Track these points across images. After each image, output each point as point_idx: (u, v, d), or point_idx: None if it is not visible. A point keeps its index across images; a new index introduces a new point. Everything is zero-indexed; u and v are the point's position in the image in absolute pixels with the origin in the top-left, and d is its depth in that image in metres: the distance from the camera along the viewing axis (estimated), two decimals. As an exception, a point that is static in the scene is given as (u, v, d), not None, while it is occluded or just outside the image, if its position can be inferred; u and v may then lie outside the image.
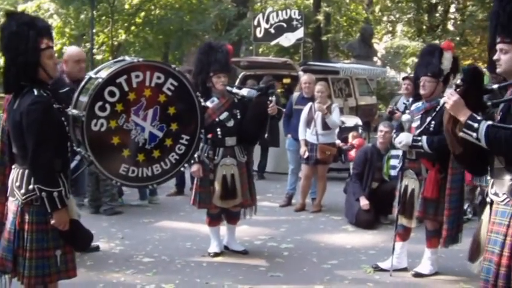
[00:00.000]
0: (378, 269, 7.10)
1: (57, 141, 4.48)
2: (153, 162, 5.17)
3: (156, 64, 5.35)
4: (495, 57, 3.96)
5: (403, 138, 6.63)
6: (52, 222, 4.44)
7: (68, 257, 4.65)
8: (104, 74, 4.93)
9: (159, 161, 5.19)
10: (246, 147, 7.64)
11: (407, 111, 7.01)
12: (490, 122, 3.81)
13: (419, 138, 6.50)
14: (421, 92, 6.61)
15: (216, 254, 7.67)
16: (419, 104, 6.76)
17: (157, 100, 5.10)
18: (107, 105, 4.86)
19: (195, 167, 7.30)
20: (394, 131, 7.19)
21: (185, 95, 5.30)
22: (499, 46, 3.94)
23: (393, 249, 6.94)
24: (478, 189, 9.01)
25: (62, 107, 4.73)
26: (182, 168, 5.43)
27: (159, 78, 5.09)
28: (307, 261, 7.55)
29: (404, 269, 7.06)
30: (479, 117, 3.83)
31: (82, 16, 28.40)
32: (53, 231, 4.52)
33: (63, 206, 4.44)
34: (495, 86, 4.07)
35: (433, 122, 6.45)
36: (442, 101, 6.12)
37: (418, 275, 6.85)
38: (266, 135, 7.81)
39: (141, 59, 5.19)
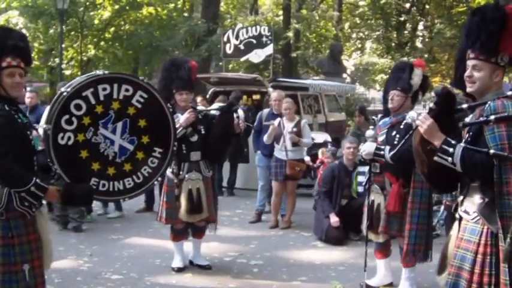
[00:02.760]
0: (367, 287, 7.03)
1: (20, 155, 4.44)
2: (125, 176, 5.11)
3: (123, 76, 5.29)
4: (467, 74, 3.95)
5: (366, 147, 6.68)
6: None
7: (36, 271, 4.57)
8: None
9: (130, 174, 5.13)
10: (212, 163, 7.66)
11: (371, 127, 7.07)
12: (463, 145, 3.83)
13: (382, 147, 6.54)
14: (390, 105, 6.67)
15: (180, 269, 7.65)
16: (386, 119, 6.84)
17: (127, 113, 5.06)
18: (74, 119, 4.82)
19: (186, 115, 7.24)
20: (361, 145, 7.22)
21: (156, 107, 5.25)
22: (472, 62, 3.94)
23: (365, 265, 6.93)
24: (443, 205, 9.07)
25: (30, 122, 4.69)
26: (156, 182, 5.37)
27: (127, 90, 5.04)
28: (277, 277, 7.53)
29: (390, 284, 7.04)
30: (453, 142, 3.84)
31: (51, 31, 28.33)
32: (20, 245, 4.46)
33: (45, 192, 4.45)
34: (465, 106, 4.09)
35: (397, 136, 6.49)
36: (411, 120, 6.18)
37: None
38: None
39: (106, 72, 5.14)
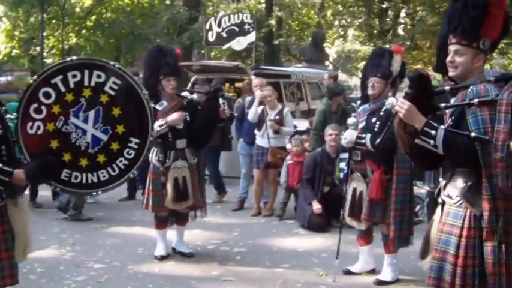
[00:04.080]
0: (348, 273, 7.08)
1: None
2: (99, 168, 4.93)
3: (94, 62, 5.06)
4: (450, 59, 4.01)
5: (348, 135, 6.71)
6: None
7: (4, 263, 4.52)
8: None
9: (105, 166, 4.95)
10: (196, 149, 7.64)
11: (353, 114, 7.07)
12: (444, 127, 3.86)
13: (363, 135, 6.56)
14: (370, 92, 6.67)
15: (163, 257, 7.67)
16: (365, 105, 6.85)
17: (99, 101, 4.88)
18: (43, 107, 4.73)
19: (175, 116, 7.25)
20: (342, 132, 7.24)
21: (131, 94, 5.01)
22: (454, 47, 3.99)
23: (338, 251, 6.94)
24: (425, 191, 9.10)
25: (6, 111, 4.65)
26: (131, 175, 5.17)
27: (99, 77, 4.87)
28: (260, 265, 7.55)
29: (372, 271, 7.08)
30: (435, 124, 3.86)
31: (32, 19, 28.13)
32: None
33: (10, 176, 4.36)
34: (447, 88, 4.12)
35: (378, 122, 6.51)
36: (391, 106, 6.15)
37: (380, 282, 6.83)
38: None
39: (75, 58, 4.99)
